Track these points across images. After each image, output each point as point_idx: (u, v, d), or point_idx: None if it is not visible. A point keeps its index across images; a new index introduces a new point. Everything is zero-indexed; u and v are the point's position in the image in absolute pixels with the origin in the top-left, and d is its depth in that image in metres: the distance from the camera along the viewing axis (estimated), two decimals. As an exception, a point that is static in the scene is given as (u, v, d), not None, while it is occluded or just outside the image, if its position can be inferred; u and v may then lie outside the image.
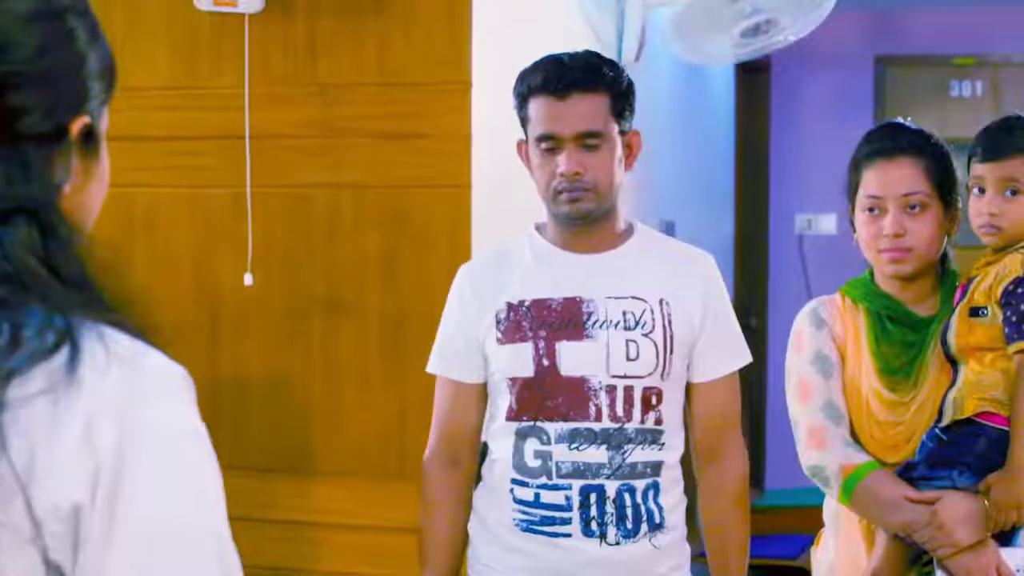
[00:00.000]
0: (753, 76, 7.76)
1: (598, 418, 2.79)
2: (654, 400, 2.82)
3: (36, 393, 1.16)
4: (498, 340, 2.86)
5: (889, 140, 2.89)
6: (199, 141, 4.03)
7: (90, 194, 1.33)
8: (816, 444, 2.83)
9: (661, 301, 2.84)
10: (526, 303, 2.85)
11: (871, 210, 2.85)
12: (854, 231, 2.94)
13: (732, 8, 3.93)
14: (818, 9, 4.17)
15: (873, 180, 2.85)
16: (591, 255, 2.89)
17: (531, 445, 2.83)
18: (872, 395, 2.85)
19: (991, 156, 2.78)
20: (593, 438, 2.79)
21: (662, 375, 2.82)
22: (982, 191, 2.78)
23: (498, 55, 3.84)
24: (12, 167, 1.22)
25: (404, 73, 3.86)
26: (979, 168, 2.79)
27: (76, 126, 1.29)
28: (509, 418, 2.85)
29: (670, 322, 2.83)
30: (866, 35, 8.07)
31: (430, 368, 2.99)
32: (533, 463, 2.82)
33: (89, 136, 1.30)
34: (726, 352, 2.93)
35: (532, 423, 2.82)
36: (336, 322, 3.95)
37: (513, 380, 2.85)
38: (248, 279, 3.94)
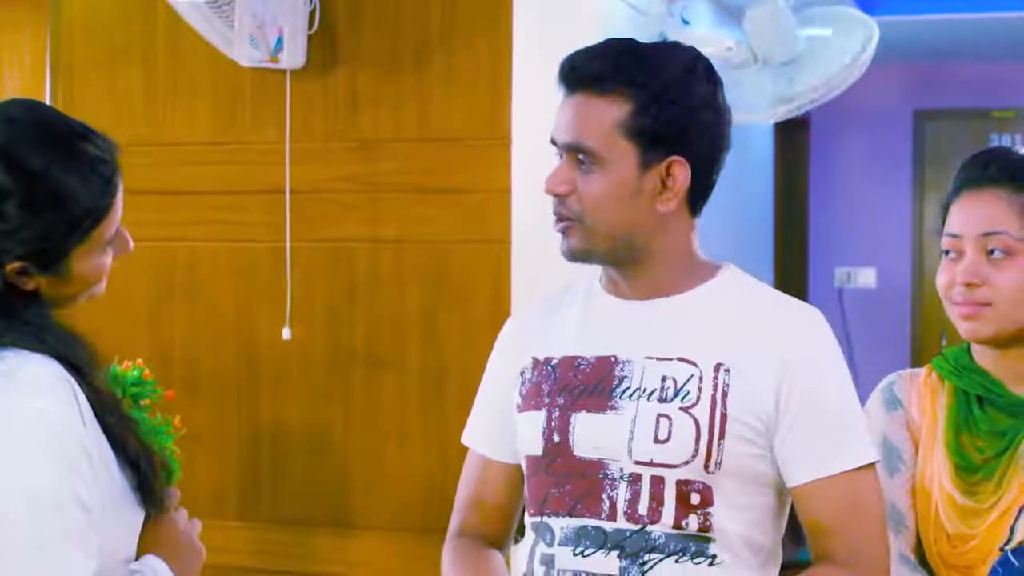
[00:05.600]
0: (792, 131, 7.76)
1: (611, 516, 2.06)
2: (695, 499, 2.05)
3: None
4: (517, 406, 2.21)
5: (979, 168, 2.24)
6: (240, 196, 4.06)
7: (66, 291, 1.95)
8: None
9: (718, 367, 2.07)
10: (554, 361, 2.17)
11: (947, 252, 2.23)
12: None
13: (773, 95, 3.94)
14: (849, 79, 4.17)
15: (953, 216, 2.24)
16: (640, 302, 2.15)
17: (540, 547, 2.14)
18: (943, 500, 2.21)
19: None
20: (602, 541, 2.06)
21: (706, 466, 2.04)
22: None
23: (538, 111, 3.84)
24: None
25: (444, 128, 3.88)
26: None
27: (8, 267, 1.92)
28: (529, 511, 2.19)
29: (724, 395, 2.05)
30: (905, 89, 8.07)
31: (463, 438, 2.36)
32: (539, 571, 2.13)
33: (47, 266, 1.91)
34: (825, 444, 2.06)
35: (539, 518, 2.15)
36: (375, 376, 3.96)
37: (527, 459, 2.19)
38: (287, 333, 3.96)
